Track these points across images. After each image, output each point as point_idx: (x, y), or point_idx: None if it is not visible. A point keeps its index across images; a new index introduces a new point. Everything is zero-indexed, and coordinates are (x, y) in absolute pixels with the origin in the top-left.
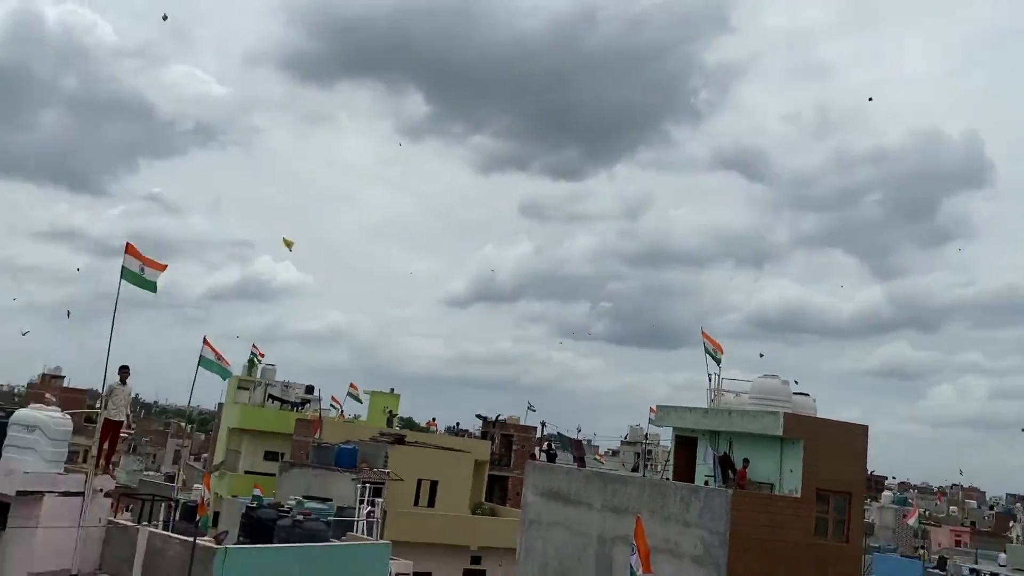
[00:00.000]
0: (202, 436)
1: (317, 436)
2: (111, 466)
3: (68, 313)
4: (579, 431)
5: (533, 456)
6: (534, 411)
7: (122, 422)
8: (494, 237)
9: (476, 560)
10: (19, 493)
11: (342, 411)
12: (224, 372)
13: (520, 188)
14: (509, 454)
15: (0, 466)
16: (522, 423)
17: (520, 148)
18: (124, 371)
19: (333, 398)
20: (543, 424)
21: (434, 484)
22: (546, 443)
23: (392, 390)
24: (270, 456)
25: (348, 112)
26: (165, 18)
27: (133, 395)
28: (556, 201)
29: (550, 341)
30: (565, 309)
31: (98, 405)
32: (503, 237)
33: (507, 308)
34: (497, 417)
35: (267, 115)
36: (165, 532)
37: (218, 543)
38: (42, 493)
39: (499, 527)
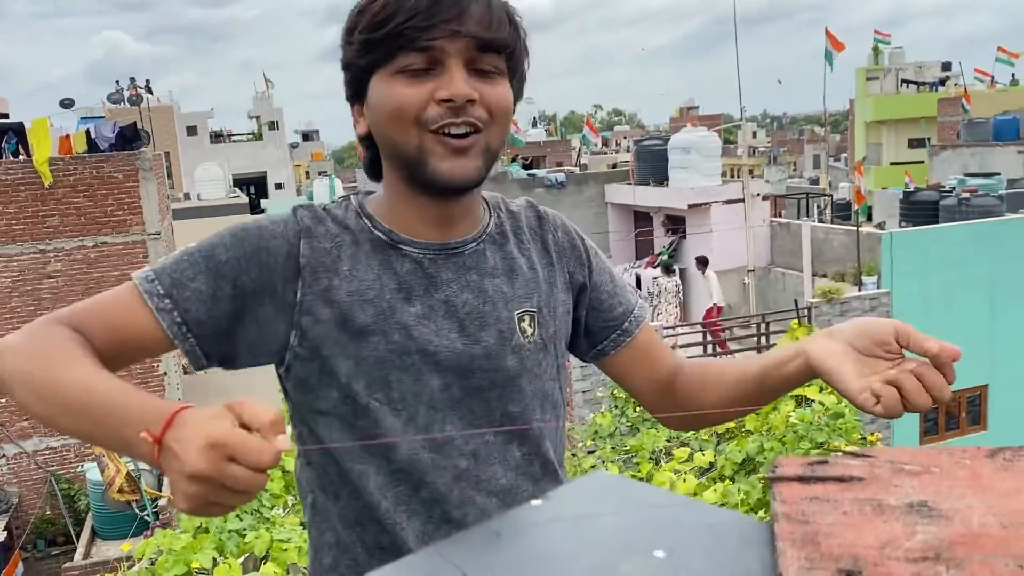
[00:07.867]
0: (837, 137)
1: (966, 113)
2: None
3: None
4: None
5: None
6: None
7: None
8: None
9: None
10: (690, 206)
11: (992, 81)
12: (831, 59)
13: None
14: None
15: (671, 187)
16: None
17: None
18: None
19: (976, 70)
20: None
21: None
22: None
23: None
24: (914, 143)
25: None
26: None
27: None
28: None
29: None
30: None
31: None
32: None
33: None
34: None
35: None
36: (826, 224)
37: (880, 229)
38: (709, 204)
39: None
